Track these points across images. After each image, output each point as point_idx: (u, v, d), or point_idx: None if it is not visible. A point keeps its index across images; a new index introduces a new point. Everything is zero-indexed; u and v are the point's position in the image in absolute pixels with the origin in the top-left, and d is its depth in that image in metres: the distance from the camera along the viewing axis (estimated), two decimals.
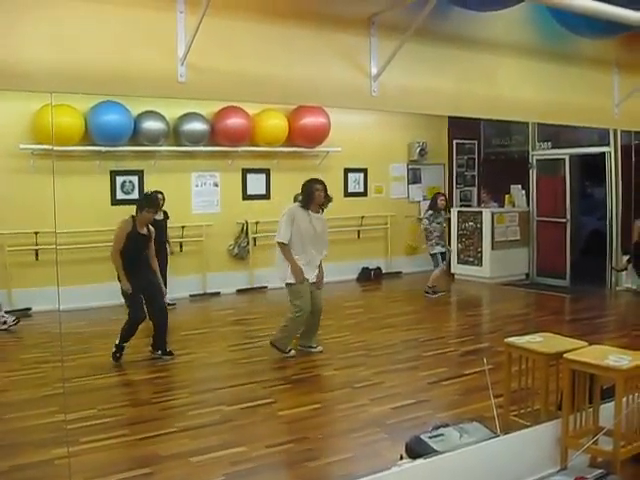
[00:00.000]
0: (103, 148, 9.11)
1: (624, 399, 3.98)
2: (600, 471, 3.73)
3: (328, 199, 7.03)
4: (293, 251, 6.84)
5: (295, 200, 7.26)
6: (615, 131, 10.08)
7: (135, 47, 2.96)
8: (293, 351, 6.88)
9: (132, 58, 2.95)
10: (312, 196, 6.90)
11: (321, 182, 7.01)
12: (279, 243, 6.89)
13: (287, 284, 6.91)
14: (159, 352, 6.79)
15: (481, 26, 4.11)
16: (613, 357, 4.01)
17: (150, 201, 7.16)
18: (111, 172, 9.47)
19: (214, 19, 3.06)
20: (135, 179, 9.66)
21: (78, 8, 2.85)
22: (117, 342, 6.63)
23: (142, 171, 9.64)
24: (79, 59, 2.83)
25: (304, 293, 6.83)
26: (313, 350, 6.99)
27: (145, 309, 6.80)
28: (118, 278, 6.69)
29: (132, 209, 9.33)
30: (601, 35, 4.39)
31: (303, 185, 6.99)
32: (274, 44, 3.38)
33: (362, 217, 11.48)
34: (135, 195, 9.61)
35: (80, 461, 4.31)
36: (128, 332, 6.65)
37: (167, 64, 3.04)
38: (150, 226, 6.96)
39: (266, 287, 10.38)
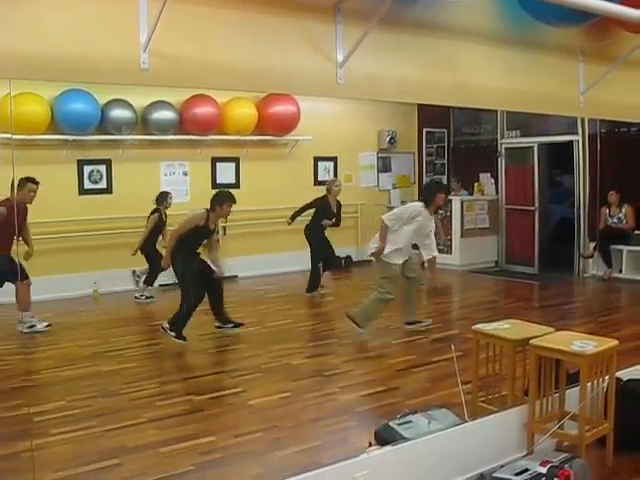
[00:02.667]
0: (70, 137, 9.00)
1: (589, 384, 4.03)
2: (565, 455, 3.76)
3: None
4: (393, 239, 7.07)
5: None
6: (583, 120, 10.17)
7: (96, 32, 2.89)
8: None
9: (93, 44, 2.87)
10: (434, 199, 7.13)
11: (446, 188, 7.57)
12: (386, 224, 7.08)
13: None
14: (230, 325, 7.20)
15: (448, 13, 4.10)
16: (578, 343, 4.05)
17: (229, 195, 7.13)
18: (78, 161, 9.36)
19: (178, 4, 3.01)
20: (103, 168, 9.56)
21: None
22: (173, 331, 6.77)
23: (110, 160, 9.54)
24: (38, 45, 2.75)
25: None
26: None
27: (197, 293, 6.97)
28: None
29: (100, 198, 9.35)
30: (567, 23, 4.41)
31: (426, 185, 7.52)
32: (239, 30, 3.33)
33: None
34: (103, 184, 9.53)
35: (48, 453, 4.28)
36: (185, 317, 6.83)
37: (129, 50, 2.97)
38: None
39: (237, 276, 10.36)
